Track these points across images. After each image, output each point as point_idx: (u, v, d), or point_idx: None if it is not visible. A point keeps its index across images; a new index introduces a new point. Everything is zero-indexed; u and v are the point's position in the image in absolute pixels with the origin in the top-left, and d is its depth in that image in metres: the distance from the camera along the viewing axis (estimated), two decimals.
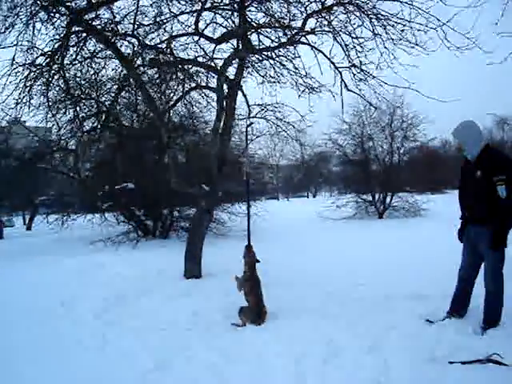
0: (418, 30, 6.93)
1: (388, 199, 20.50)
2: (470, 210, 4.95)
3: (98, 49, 8.67)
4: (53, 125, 11.97)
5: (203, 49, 8.69)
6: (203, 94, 10.43)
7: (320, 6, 7.38)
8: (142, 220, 15.01)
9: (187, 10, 8.08)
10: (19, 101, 7.90)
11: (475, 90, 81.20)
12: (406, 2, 6.84)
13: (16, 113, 8.38)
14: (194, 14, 8.03)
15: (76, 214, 16.52)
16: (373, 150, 21.58)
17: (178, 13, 8.08)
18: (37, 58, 7.76)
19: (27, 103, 8.05)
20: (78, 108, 10.86)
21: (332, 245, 11.86)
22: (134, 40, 8.39)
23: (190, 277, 8.01)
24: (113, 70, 10.02)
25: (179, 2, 7.98)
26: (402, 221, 18.14)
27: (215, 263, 8.60)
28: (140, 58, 8.48)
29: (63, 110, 11.16)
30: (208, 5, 7.96)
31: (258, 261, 5.80)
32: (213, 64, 8.68)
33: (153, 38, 8.67)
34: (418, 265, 8.13)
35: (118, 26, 8.29)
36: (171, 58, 8.27)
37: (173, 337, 5.04)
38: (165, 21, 8.07)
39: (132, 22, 8.09)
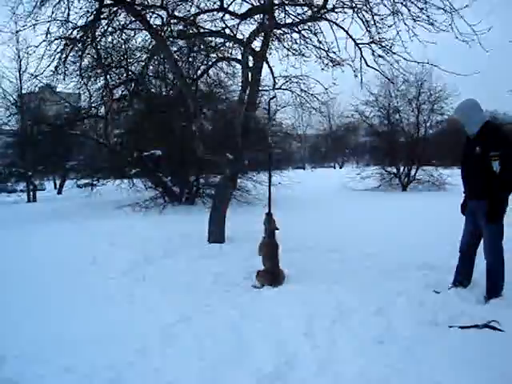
0: (438, 8, 7.06)
1: (413, 172, 20.55)
2: (469, 185, 5.15)
3: (128, 21, 8.95)
4: (84, 92, 12.38)
5: (227, 25, 8.87)
6: (230, 65, 10.65)
7: None
8: (169, 186, 15.45)
9: None
10: (55, 71, 8.31)
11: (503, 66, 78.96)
12: None
13: (52, 82, 8.81)
14: None
15: (105, 180, 17.06)
16: (399, 123, 21.55)
17: None
18: (72, 31, 8.11)
19: (62, 74, 8.48)
20: (108, 76, 11.22)
21: (353, 214, 12.11)
22: (162, 12, 8.66)
23: (213, 241, 8.38)
24: (142, 40, 10.31)
25: None
26: (426, 194, 18.21)
27: (238, 229, 8.95)
28: (168, 30, 8.72)
29: (94, 78, 11.54)
30: None
31: (277, 228, 6.11)
32: (239, 36, 8.90)
33: (180, 11, 8.93)
34: (434, 237, 8.32)
35: None
36: (199, 30, 8.49)
37: (195, 294, 5.43)
38: None
39: None
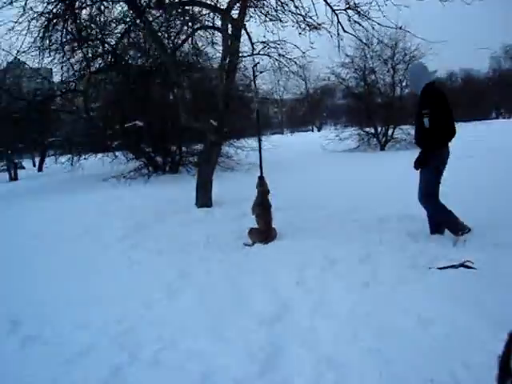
0: None
1: (390, 132, 20.92)
2: (415, 138, 5.80)
3: None
4: (62, 67, 12.35)
5: None
6: (208, 33, 10.76)
7: None
8: (152, 156, 15.60)
9: None
10: (41, 47, 8.41)
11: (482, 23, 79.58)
12: None
13: (35, 58, 8.92)
14: None
15: (87, 154, 17.06)
16: (375, 83, 21.79)
17: None
18: (55, 5, 8.15)
19: (47, 49, 8.57)
20: (84, 49, 11.26)
21: (334, 174, 12.46)
22: None
23: (201, 206, 8.66)
24: (119, 12, 10.35)
25: None
26: (403, 152, 18.62)
27: (224, 194, 9.24)
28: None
29: (71, 51, 11.51)
30: None
31: (269, 191, 6.42)
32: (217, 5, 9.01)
33: None
34: (412, 191, 8.73)
35: None
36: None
37: (190, 254, 5.75)
38: None
39: None
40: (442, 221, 5.53)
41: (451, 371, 2.82)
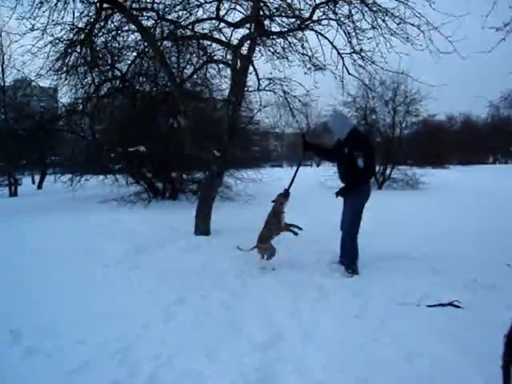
0: (412, 25, 7.73)
1: (388, 171, 21.25)
2: (341, 176, 6.45)
3: (122, 22, 9.37)
4: (71, 89, 12.67)
5: (223, 33, 9.54)
6: (217, 66, 11.11)
7: None
8: (153, 182, 15.80)
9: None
10: (58, 72, 8.78)
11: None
12: (403, 2, 7.65)
13: (51, 80, 9.29)
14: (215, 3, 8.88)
15: (88, 175, 17.26)
16: (376, 123, 22.22)
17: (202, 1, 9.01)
18: (76, 33, 8.52)
19: (65, 73, 8.95)
20: (93, 74, 11.61)
21: (331, 209, 12.59)
22: (153, 14, 9.10)
23: (199, 234, 8.84)
24: (132, 40, 10.72)
25: None
26: (399, 192, 18.91)
27: (222, 223, 9.42)
28: (160, 31, 9.16)
29: (82, 74, 11.85)
30: None
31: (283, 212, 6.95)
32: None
33: (171, 12, 9.37)
34: (405, 228, 9.03)
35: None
36: (190, 33, 8.96)
37: (188, 280, 5.89)
38: (190, 6, 8.89)
39: None
40: (352, 257, 6.17)
41: None
